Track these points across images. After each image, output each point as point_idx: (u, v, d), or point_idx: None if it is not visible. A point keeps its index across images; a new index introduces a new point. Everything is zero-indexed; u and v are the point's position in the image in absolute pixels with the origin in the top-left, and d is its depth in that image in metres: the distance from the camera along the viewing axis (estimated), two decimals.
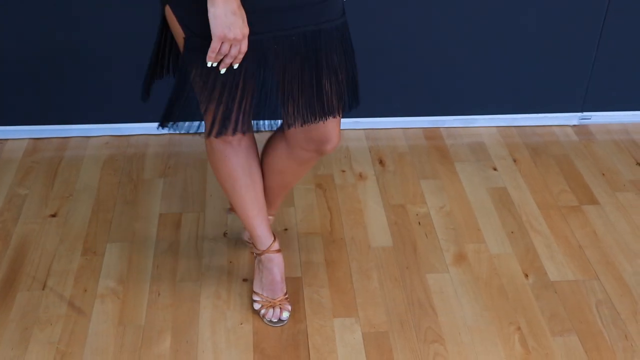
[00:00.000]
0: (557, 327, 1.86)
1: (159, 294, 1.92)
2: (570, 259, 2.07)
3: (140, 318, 1.85)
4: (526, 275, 2.01)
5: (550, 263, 2.05)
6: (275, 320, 1.83)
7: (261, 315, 1.84)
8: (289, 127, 1.58)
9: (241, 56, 1.41)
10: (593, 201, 2.29)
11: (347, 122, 2.56)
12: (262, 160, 1.80)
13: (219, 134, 1.55)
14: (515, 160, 2.47)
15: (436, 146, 2.53)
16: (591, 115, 2.64)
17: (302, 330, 1.83)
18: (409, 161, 2.45)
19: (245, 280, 1.97)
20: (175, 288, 1.94)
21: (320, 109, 1.55)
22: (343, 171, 2.39)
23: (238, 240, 2.11)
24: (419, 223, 2.18)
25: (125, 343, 1.78)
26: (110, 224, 2.16)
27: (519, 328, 1.85)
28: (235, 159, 1.71)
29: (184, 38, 1.45)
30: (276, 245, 1.84)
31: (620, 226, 2.18)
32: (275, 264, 1.85)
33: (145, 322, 1.84)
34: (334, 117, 1.60)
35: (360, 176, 2.37)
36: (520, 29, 2.45)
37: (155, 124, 2.55)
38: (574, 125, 2.65)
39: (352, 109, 1.64)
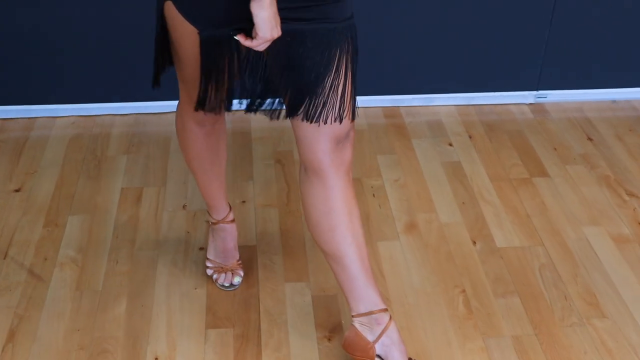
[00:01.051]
0: (500, 289, 1.92)
1: (117, 262, 1.98)
2: (517, 227, 2.13)
3: (98, 284, 1.91)
4: (474, 242, 2.07)
5: (498, 231, 2.12)
6: (227, 285, 1.89)
7: (214, 280, 1.90)
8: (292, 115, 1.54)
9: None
10: (543, 174, 2.36)
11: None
12: (311, 225, 1.64)
13: (211, 109, 1.58)
14: (470, 137, 2.54)
15: (395, 124, 2.60)
16: (547, 94, 2.71)
17: (254, 294, 1.90)
18: (367, 138, 2.52)
19: (201, 249, 2.03)
20: (133, 256, 2.01)
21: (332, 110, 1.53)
22: None
23: (197, 212, 2.17)
24: (373, 195, 2.24)
25: (81, 307, 1.85)
26: (73, 198, 2.22)
27: (463, 290, 1.92)
28: (207, 141, 1.76)
29: (198, 32, 1.47)
30: (231, 216, 1.91)
31: (568, 197, 2.26)
32: (229, 233, 1.92)
33: (102, 288, 1.90)
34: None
35: None
36: (477, 8, 2.52)
37: (122, 104, 2.63)
38: (530, 104, 2.72)
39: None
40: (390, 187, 2.29)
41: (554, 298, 1.90)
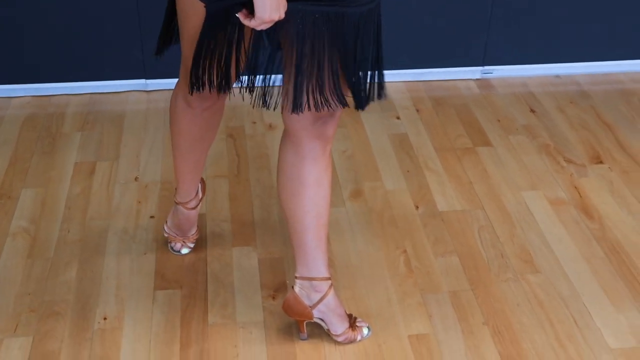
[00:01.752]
0: (440, 249, 2.00)
1: (68, 231, 2.03)
2: (459, 193, 2.21)
3: (49, 252, 1.96)
4: (416, 207, 2.15)
5: (440, 197, 2.19)
6: (177, 251, 1.96)
7: (168, 241, 1.97)
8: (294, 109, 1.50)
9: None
10: (487, 143, 2.44)
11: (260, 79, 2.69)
12: (283, 199, 1.66)
13: (195, 88, 1.57)
14: (418, 110, 2.62)
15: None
16: (493, 70, 2.79)
17: (202, 258, 1.96)
18: None
19: (152, 217, 2.09)
20: (85, 225, 2.05)
21: (325, 96, 1.50)
22: (254, 122, 2.52)
23: (149, 183, 2.22)
24: None
25: (32, 273, 1.89)
26: (27, 173, 2.26)
27: (405, 251, 1.99)
28: (192, 122, 1.77)
29: (205, 6, 1.46)
30: (192, 204, 1.93)
31: (509, 164, 2.34)
32: (184, 217, 1.95)
33: (53, 255, 1.95)
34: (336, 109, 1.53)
35: (270, 126, 2.50)
36: None
37: (77, 84, 2.67)
38: (477, 79, 2.80)
39: (364, 108, 1.56)
40: (338, 158, 2.35)
41: (491, 257, 1.98)
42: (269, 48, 1.56)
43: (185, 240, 1.97)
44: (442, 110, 2.63)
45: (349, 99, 1.55)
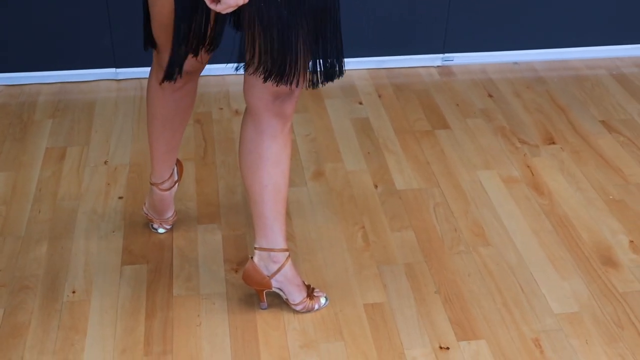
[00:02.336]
0: (397, 224, 2.09)
1: (39, 211, 2.10)
2: (417, 172, 2.31)
3: (20, 230, 2.03)
4: (375, 186, 2.24)
5: (398, 176, 2.29)
6: (155, 229, 2.03)
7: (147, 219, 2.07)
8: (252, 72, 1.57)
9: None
10: (445, 126, 2.54)
11: (227, 68, 2.77)
12: (246, 172, 1.74)
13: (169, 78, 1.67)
14: (380, 96, 2.71)
15: None
16: (453, 57, 2.89)
17: (168, 235, 2.04)
18: None
19: (120, 198, 2.16)
20: (56, 206, 2.13)
21: (287, 74, 1.55)
22: (221, 109, 2.60)
23: (118, 166, 2.30)
24: None
25: (4, 251, 1.96)
26: None
27: (362, 227, 2.08)
28: (164, 102, 1.84)
29: None
30: (165, 186, 2.00)
31: (465, 145, 2.44)
32: (159, 198, 2.02)
33: (24, 234, 2.02)
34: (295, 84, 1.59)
35: (237, 112, 2.58)
36: None
37: (48, 73, 2.73)
38: (438, 66, 2.90)
39: (322, 84, 1.62)
40: (301, 141, 2.44)
41: (445, 231, 2.08)
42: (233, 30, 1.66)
43: (162, 222, 2.05)
44: (403, 95, 2.72)
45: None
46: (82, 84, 2.74)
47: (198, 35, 1.60)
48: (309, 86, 1.62)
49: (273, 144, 1.68)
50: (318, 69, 1.61)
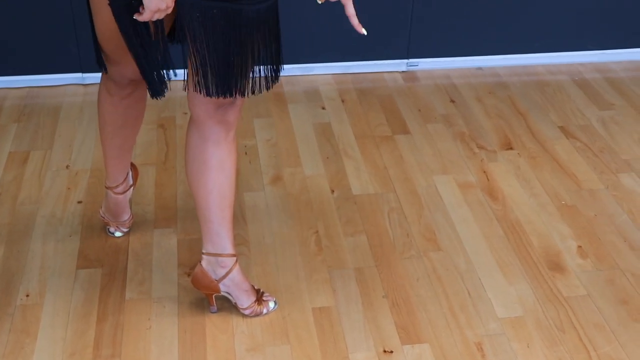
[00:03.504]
0: (350, 229, 2.13)
1: None
2: (374, 177, 2.34)
3: None
4: (332, 191, 2.27)
5: (356, 181, 2.32)
6: (111, 233, 2.06)
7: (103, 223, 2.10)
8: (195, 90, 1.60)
9: (168, 11, 1.49)
10: (405, 131, 2.57)
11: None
12: (193, 184, 1.76)
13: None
14: (343, 101, 2.74)
15: (274, 92, 2.78)
16: (418, 62, 2.93)
17: (125, 239, 2.07)
18: (246, 104, 2.69)
19: (80, 202, 2.19)
20: (15, 210, 2.16)
21: (228, 85, 1.60)
22: (185, 113, 2.63)
23: (79, 170, 2.33)
24: (246, 153, 2.43)
25: None
26: None
27: (316, 232, 2.12)
28: (113, 109, 1.88)
29: (109, 4, 1.56)
30: (119, 189, 2.03)
31: (424, 151, 2.47)
32: (113, 201, 2.05)
33: None
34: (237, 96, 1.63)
35: None
36: None
37: (15, 77, 2.75)
38: (402, 72, 2.94)
39: (259, 92, 1.66)
40: (262, 146, 2.47)
41: (397, 235, 2.11)
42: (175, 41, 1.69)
43: (118, 225, 2.09)
44: (367, 100, 2.75)
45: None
46: (49, 88, 2.77)
47: (150, 45, 1.63)
48: (249, 94, 1.65)
49: (217, 151, 1.71)
50: (258, 77, 1.65)
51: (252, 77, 1.63)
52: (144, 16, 1.46)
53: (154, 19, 1.47)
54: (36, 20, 2.67)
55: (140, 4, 1.48)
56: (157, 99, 1.69)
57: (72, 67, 2.74)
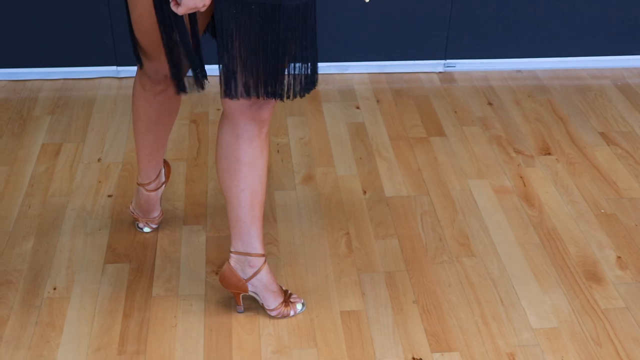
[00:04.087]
0: (382, 232, 2.09)
1: (29, 207, 2.13)
2: (407, 179, 2.30)
3: (9, 225, 2.06)
4: (364, 192, 2.23)
5: (388, 182, 2.28)
6: (140, 228, 2.05)
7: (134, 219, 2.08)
8: (230, 96, 1.58)
9: (204, 9, 1.47)
10: (441, 133, 2.52)
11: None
12: (223, 181, 1.73)
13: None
14: (378, 101, 2.70)
15: None
16: (455, 63, 2.87)
17: (153, 235, 2.05)
18: (279, 101, 2.67)
19: (110, 196, 2.19)
20: (46, 202, 2.16)
21: (262, 85, 1.57)
22: (218, 109, 2.61)
23: (111, 164, 2.32)
24: (278, 151, 2.40)
25: None
26: None
27: (347, 233, 2.08)
28: (147, 104, 1.86)
29: None
30: (152, 187, 2.01)
31: (459, 154, 2.42)
32: (145, 198, 2.03)
33: (12, 229, 2.05)
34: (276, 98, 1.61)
35: None
36: None
37: (50, 69, 2.77)
38: (439, 73, 2.88)
39: (302, 96, 1.63)
40: (295, 144, 2.44)
41: (430, 240, 2.06)
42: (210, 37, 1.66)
43: (148, 222, 2.08)
44: (402, 101, 2.71)
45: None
46: (83, 81, 2.77)
47: (185, 42, 1.60)
48: (284, 98, 1.61)
49: (250, 148, 1.68)
50: (293, 78, 1.61)
51: (287, 78, 1.61)
52: (179, 9, 1.43)
53: (189, 12, 1.45)
54: (72, 12, 2.67)
55: None
56: (183, 94, 1.67)
57: (107, 60, 2.74)
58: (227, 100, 1.64)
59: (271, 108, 1.68)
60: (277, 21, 1.52)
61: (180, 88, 1.67)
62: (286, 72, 1.60)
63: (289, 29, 1.54)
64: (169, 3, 1.50)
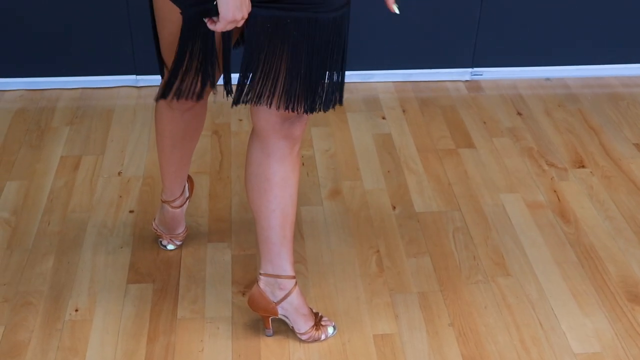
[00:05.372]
0: (413, 250, 2.01)
1: (49, 224, 2.07)
2: (437, 193, 2.22)
3: (28, 243, 2.00)
4: (394, 207, 2.16)
5: (418, 197, 2.21)
6: (164, 246, 1.98)
7: (157, 236, 2.01)
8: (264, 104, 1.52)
9: (241, 23, 1.42)
10: (470, 145, 2.45)
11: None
12: (251, 195, 1.67)
13: (176, 95, 1.59)
14: (404, 111, 2.63)
15: None
16: (482, 72, 2.80)
17: (177, 253, 1.99)
18: None
19: (131, 211, 2.12)
20: (66, 218, 2.09)
21: (297, 99, 1.52)
22: (240, 120, 2.54)
23: (131, 178, 2.25)
24: (303, 164, 2.33)
25: (10, 263, 1.93)
26: (13, 165, 2.30)
27: (377, 251, 2.01)
28: (174, 123, 1.79)
29: (181, 12, 1.48)
30: (177, 203, 1.95)
31: (490, 166, 2.34)
32: (170, 215, 1.97)
33: (32, 247, 1.99)
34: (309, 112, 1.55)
35: None
36: None
37: (69, 78, 2.71)
38: (466, 81, 2.81)
39: (333, 108, 1.58)
40: (320, 156, 2.37)
41: (463, 258, 1.99)
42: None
43: (172, 238, 2.01)
44: (428, 111, 2.64)
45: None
46: (102, 90, 2.71)
47: (207, 58, 1.53)
48: (317, 110, 1.55)
49: (281, 167, 1.61)
50: (326, 91, 1.54)
51: (321, 91, 1.54)
52: (217, 26, 1.37)
53: (227, 29, 1.39)
54: (91, 20, 2.61)
55: (215, 14, 1.40)
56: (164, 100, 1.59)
57: (126, 69, 2.68)
58: (258, 117, 1.58)
59: (304, 125, 1.61)
60: (312, 35, 1.45)
61: (163, 95, 1.58)
62: (319, 88, 1.54)
63: (324, 42, 1.47)
64: (200, 20, 1.44)
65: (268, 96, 1.51)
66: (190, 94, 1.60)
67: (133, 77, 2.70)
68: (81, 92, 2.69)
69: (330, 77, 1.54)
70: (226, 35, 1.49)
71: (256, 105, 1.53)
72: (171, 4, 1.50)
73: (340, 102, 1.58)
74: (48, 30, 2.61)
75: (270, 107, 1.52)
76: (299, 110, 1.52)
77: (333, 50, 1.50)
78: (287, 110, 1.51)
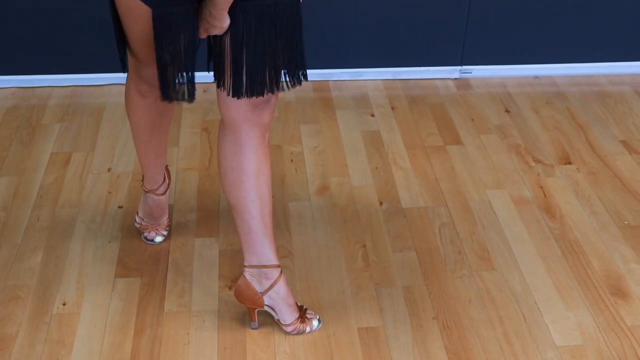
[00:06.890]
0: (399, 245, 2.03)
1: (38, 219, 2.09)
2: (424, 189, 2.24)
3: (17, 238, 2.02)
4: (380, 203, 2.18)
5: (405, 193, 2.22)
6: (150, 240, 2.00)
7: (141, 232, 2.02)
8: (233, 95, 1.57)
9: None
10: (457, 142, 2.46)
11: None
12: (226, 187, 1.71)
13: (168, 97, 1.62)
14: (393, 108, 2.64)
15: (322, 97, 2.70)
16: (472, 69, 2.82)
17: (165, 247, 2.00)
18: (293, 109, 2.62)
19: (120, 207, 2.14)
20: (55, 213, 2.11)
21: (262, 83, 1.57)
22: None
23: (121, 174, 2.27)
24: (292, 160, 2.35)
25: None
26: (3, 162, 2.31)
27: (364, 246, 2.03)
28: (147, 111, 1.83)
29: (152, 12, 1.51)
30: (161, 190, 1.99)
31: (477, 163, 2.36)
32: (156, 204, 2.00)
33: (21, 241, 2.01)
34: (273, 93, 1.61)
35: None
36: None
37: (60, 76, 2.73)
38: (455, 79, 2.83)
39: (294, 87, 1.63)
40: (308, 153, 2.39)
41: (449, 253, 2.01)
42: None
43: (158, 228, 2.02)
44: (417, 108, 2.65)
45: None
46: (93, 87, 2.72)
47: (188, 52, 1.55)
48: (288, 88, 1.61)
49: (255, 157, 1.64)
50: (287, 77, 1.60)
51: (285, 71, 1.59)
52: (215, 32, 1.47)
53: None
54: (83, 18, 2.63)
55: (186, 12, 1.45)
56: (169, 102, 1.61)
57: (117, 67, 2.67)
58: (228, 107, 1.61)
59: (272, 111, 1.64)
60: (273, 22, 1.50)
61: (166, 97, 1.60)
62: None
63: (286, 25, 1.52)
64: (168, 23, 1.49)
65: (234, 85, 1.54)
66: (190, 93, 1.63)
67: (124, 75, 2.71)
68: (72, 89, 2.71)
69: (293, 57, 1.58)
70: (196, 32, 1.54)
71: (224, 95, 1.57)
72: (139, 4, 1.52)
73: (305, 78, 1.62)
74: (40, 28, 2.63)
75: (236, 95, 1.55)
76: (262, 94, 1.55)
77: (292, 31, 1.55)
78: (252, 97, 1.55)
